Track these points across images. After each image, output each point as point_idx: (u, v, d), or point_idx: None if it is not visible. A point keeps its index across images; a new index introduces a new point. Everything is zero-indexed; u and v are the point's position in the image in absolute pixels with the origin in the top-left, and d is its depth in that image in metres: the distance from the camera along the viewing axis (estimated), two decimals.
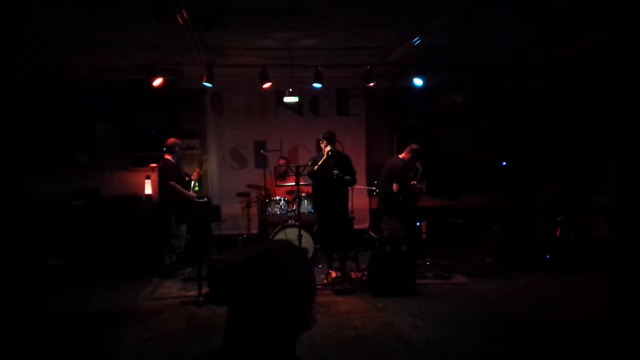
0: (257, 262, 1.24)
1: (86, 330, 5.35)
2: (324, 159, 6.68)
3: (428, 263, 7.67)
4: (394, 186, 7.04)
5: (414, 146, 7.33)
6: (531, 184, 9.47)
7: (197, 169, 8.01)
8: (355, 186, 7.25)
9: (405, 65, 7.95)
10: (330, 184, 6.62)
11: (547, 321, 5.40)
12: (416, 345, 4.79)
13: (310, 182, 7.00)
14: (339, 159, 6.78)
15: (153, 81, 7.70)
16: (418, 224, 7.76)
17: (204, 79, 7.61)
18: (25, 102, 8.06)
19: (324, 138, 6.80)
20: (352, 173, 6.86)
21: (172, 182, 7.32)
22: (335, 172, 6.56)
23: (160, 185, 7.49)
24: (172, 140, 7.60)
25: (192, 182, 7.83)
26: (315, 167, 6.69)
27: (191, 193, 7.60)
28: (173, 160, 7.52)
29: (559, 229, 7.88)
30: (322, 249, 7.26)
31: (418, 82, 8.14)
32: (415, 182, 7.29)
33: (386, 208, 7.35)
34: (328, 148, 6.71)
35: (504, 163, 9.43)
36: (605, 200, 7.06)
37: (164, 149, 7.57)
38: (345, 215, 7.01)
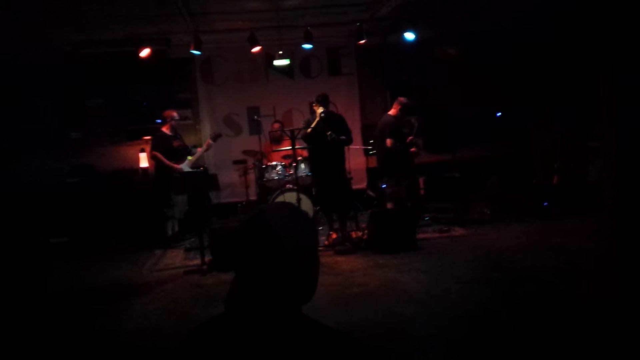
0: (249, 227, 1.23)
1: (93, 304, 5.39)
2: (317, 121, 6.61)
3: (427, 218, 7.72)
4: (388, 141, 7.00)
5: (402, 99, 7.21)
6: (528, 133, 9.44)
7: (209, 141, 7.75)
8: (351, 146, 7.22)
9: (396, 19, 7.78)
10: (325, 145, 6.58)
11: (548, 268, 5.42)
12: (419, 298, 4.85)
13: (305, 145, 6.97)
14: (333, 119, 6.71)
15: (140, 52, 7.57)
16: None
17: (192, 47, 7.47)
18: (10, 82, 7.95)
19: (317, 101, 6.72)
20: (348, 133, 6.81)
21: (155, 153, 7.37)
22: (329, 133, 6.51)
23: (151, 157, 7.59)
24: (166, 112, 7.64)
25: (191, 151, 7.80)
26: (309, 130, 6.63)
27: (175, 165, 7.36)
28: (169, 132, 7.50)
29: (555, 176, 7.90)
30: (322, 211, 7.28)
31: (410, 36, 7.93)
32: (412, 137, 7.24)
33: (385, 167, 7.33)
34: (320, 110, 6.63)
35: (499, 114, 9.36)
36: (601, 145, 7.05)
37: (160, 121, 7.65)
38: (342, 175, 6.98)
